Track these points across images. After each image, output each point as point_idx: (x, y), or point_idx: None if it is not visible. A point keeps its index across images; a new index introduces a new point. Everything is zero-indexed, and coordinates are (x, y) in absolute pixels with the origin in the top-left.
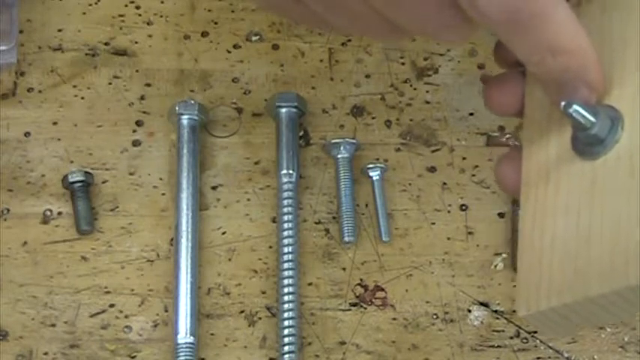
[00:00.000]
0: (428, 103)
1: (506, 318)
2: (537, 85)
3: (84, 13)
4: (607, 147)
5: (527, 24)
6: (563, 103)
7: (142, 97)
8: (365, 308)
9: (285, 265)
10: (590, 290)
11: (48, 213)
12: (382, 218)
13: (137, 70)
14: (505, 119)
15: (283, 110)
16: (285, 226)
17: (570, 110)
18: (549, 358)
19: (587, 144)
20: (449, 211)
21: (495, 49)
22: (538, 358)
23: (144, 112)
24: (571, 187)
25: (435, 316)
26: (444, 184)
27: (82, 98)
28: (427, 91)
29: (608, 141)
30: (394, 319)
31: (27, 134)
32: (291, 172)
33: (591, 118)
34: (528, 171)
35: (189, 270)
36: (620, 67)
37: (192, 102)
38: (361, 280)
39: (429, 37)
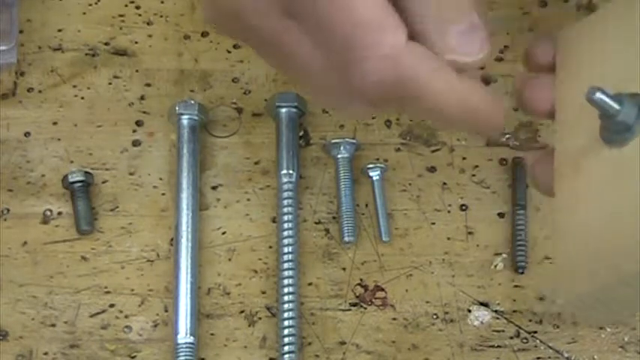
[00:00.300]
0: None
1: (506, 318)
2: (567, 86)
3: (84, 13)
4: (634, 133)
5: (406, 98)
6: (586, 92)
7: (142, 97)
8: (365, 308)
9: (285, 265)
10: (620, 271)
11: (48, 213)
12: (382, 218)
13: (137, 70)
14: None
15: (283, 110)
16: (285, 226)
17: (594, 97)
18: (549, 358)
19: (615, 132)
20: (449, 211)
21: (527, 56)
22: (538, 358)
23: (144, 112)
24: (601, 175)
25: (435, 316)
26: (444, 184)
27: (82, 98)
28: None
29: (635, 127)
30: (394, 319)
31: (27, 134)
32: (291, 172)
33: (615, 106)
34: (560, 165)
35: (189, 270)
36: None
37: (192, 102)
38: (361, 280)
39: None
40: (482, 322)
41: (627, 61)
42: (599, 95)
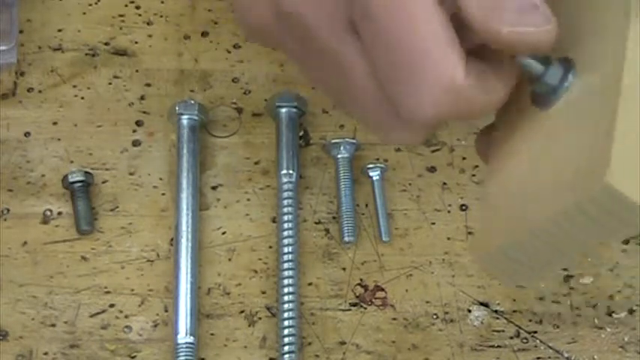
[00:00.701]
0: None
1: (506, 318)
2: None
3: (84, 13)
4: (559, 95)
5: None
6: (517, 57)
7: (142, 97)
8: (365, 308)
9: (285, 265)
10: (530, 222)
11: (48, 213)
12: (382, 218)
13: (137, 70)
14: None
15: (283, 110)
16: (285, 226)
17: (522, 60)
18: (549, 358)
19: (542, 95)
20: (449, 211)
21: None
22: (538, 358)
23: (144, 112)
24: (528, 136)
25: (435, 316)
26: (444, 184)
27: (82, 98)
28: None
29: (560, 89)
30: (394, 319)
31: (27, 134)
32: (291, 172)
33: (541, 67)
34: (496, 130)
35: (189, 270)
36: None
37: (192, 102)
38: (361, 280)
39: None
40: (482, 322)
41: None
42: (527, 58)
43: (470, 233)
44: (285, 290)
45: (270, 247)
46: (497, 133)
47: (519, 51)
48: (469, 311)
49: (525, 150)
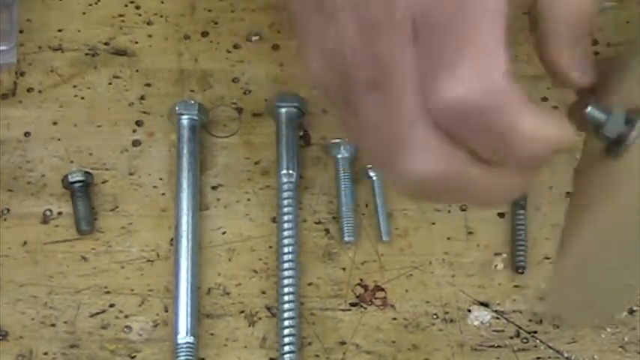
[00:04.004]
0: None
1: (506, 318)
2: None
3: (84, 13)
4: (628, 146)
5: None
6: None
7: (142, 97)
8: (365, 308)
9: (285, 265)
10: (621, 280)
11: (48, 213)
12: (382, 218)
13: (137, 70)
14: None
15: (283, 110)
16: (285, 226)
17: (587, 111)
18: (549, 358)
19: (610, 144)
20: (449, 211)
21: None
22: (538, 358)
23: (144, 112)
24: (599, 186)
25: (435, 316)
26: None
27: (82, 98)
28: None
29: (628, 140)
30: (394, 319)
31: (27, 134)
32: (291, 172)
33: (602, 115)
34: (574, 180)
35: (189, 270)
36: None
37: (192, 102)
38: (361, 280)
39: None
40: (482, 322)
41: None
42: (589, 108)
43: (470, 233)
44: (285, 290)
45: (270, 247)
46: (574, 190)
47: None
48: (469, 311)
49: (597, 199)
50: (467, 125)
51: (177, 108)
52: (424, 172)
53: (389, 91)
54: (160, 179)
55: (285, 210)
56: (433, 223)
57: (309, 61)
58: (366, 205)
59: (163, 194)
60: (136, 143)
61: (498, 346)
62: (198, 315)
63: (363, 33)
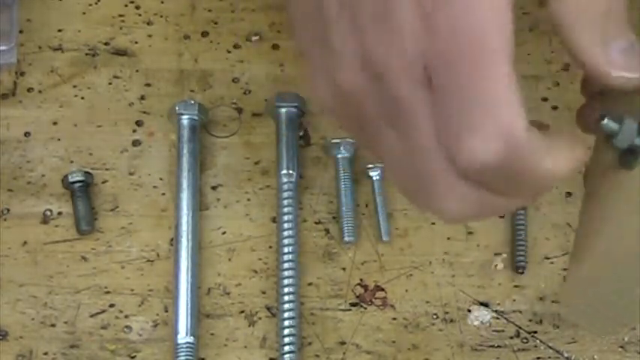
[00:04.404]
0: None
1: (506, 318)
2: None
3: (84, 13)
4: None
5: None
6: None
7: (142, 97)
8: (365, 308)
9: (285, 265)
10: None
11: (48, 213)
12: (382, 218)
13: (137, 70)
14: None
15: (283, 110)
16: (285, 226)
17: (601, 122)
18: (549, 358)
19: (623, 155)
20: None
21: (582, 83)
22: (538, 358)
23: (144, 112)
24: (612, 195)
25: (435, 316)
26: None
27: (82, 98)
28: None
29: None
30: (394, 319)
31: (27, 134)
32: (291, 172)
33: (614, 125)
34: (586, 201)
35: (189, 270)
36: None
37: (192, 102)
38: (361, 280)
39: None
40: (482, 322)
41: None
42: (606, 120)
43: (470, 233)
44: (285, 290)
45: (270, 247)
46: (587, 198)
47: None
48: (469, 311)
49: (615, 213)
50: (491, 177)
51: (177, 108)
52: (451, 210)
53: (406, 131)
54: (160, 179)
55: (285, 210)
56: (433, 223)
57: (320, 93)
58: (366, 205)
59: (163, 194)
60: (136, 143)
61: (498, 346)
62: (198, 315)
63: (372, 75)
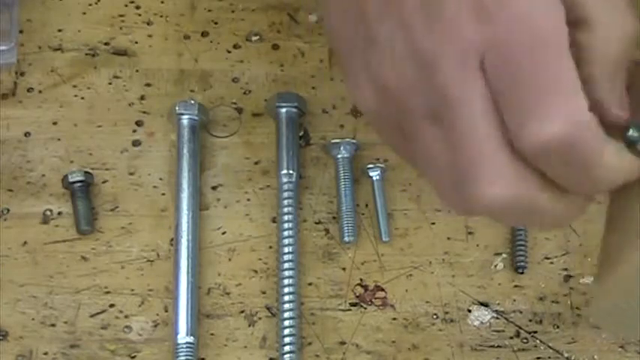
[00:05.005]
0: None
1: (506, 318)
2: None
3: (84, 13)
4: None
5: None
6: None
7: (142, 97)
8: (365, 308)
9: (285, 265)
10: None
11: (48, 213)
12: (382, 218)
13: (137, 70)
14: None
15: (283, 110)
16: (285, 226)
17: (628, 133)
18: (549, 358)
19: None
20: (449, 211)
21: None
22: (538, 358)
23: (144, 112)
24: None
25: (435, 316)
26: None
27: (82, 98)
28: None
29: None
30: (394, 319)
31: (27, 134)
32: (291, 172)
33: (636, 133)
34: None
35: (189, 270)
36: None
37: (192, 102)
38: (361, 280)
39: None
40: (482, 322)
41: None
42: (631, 131)
43: (470, 233)
44: (285, 290)
45: (270, 247)
46: (611, 206)
47: None
48: (469, 311)
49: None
50: (553, 159)
51: (177, 108)
52: (496, 196)
53: (454, 122)
54: (160, 179)
55: (285, 210)
56: (433, 223)
57: (359, 95)
58: (366, 205)
59: (163, 194)
60: (136, 143)
61: (498, 346)
62: (198, 315)
63: (422, 68)
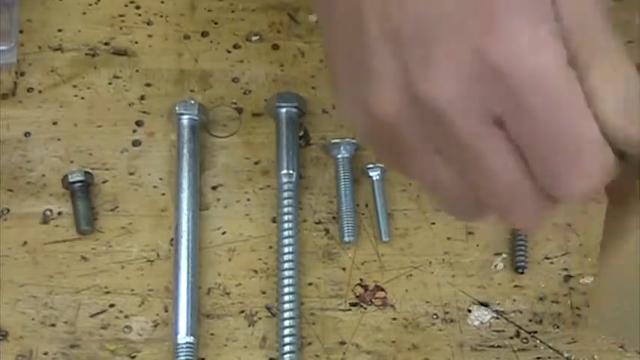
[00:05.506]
0: None
1: (506, 318)
2: None
3: (84, 13)
4: None
5: None
6: None
7: (142, 97)
8: (365, 308)
9: (285, 265)
10: None
11: (48, 213)
12: (382, 218)
13: (137, 70)
14: None
15: (283, 110)
16: (285, 226)
17: None
18: (549, 358)
19: None
20: None
21: None
22: (538, 358)
23: (144, 112)
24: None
25: (435, 316)
26: None
27: (82, 98)
28: None
29: None
30: (394, 319)
31: (27, 134)
32: (291, 172)
33: None
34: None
35: (189, 270)
36: None
37: (192, 102)
38: (361, 280)
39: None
40: (482, 322)
41: None
42: None
43: (470, 233)
44: (285, 290)
45: (270, 247)
46: (610, 208)
47: None
48: (469, 311)
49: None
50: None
51: (177, 108)
52: (528, 230)
53: (465, 160)
54: (160, 179)
55: (285, 210)
56: (433, 223)
57: (351, 119)
58: (366, 205)
59: (163, 194)
60: (136, 143)
61: (498, 346)
62: (198, 315)
63: (423, 108)
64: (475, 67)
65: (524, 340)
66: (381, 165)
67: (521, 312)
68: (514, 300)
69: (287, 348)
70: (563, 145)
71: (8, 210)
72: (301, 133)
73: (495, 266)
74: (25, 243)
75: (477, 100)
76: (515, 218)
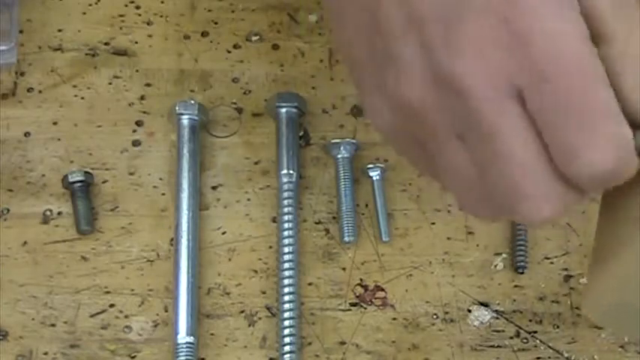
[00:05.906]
0: None
1: (506, 318)
2: None
3: (84, 13)
4: None
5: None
6: None
7: (142, 97)
8: (365, 308)
9: (285, 265)
10: None
11: (48, 213)
12: (382, 218)
13: (137, 70)
14: None
15: (283, 110)
16: (285, 226)
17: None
18: (549, 358)
19: None
20: (449, 211)
21: None
22: (538, 358)
23: (144, 112)
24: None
25: (435, 316)
26: None
27: (82, 98)
28: None
29: None
30: (394, 319)
31: (27, 134)
32: (291, 172)
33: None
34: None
35: (189, 270)
36: None
37: (192, 102)
38: (361, 280)
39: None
40: (482, 322)
41: None
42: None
43: (470, 233)
44: (285, 290)
45: (270, 247)
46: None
47: None
48: (469, 311)
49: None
50: (599, 184)
51: (177, 108)
52: (544, 218)
53: (487, 141)
54: (160, 179)
55: (285, 210)
56: (433, 223)
57: (374, 111)
58: (366, 205)
59: (163, 194)
60: (136, 143)
61: (498, 346)
62: (198, 315)
63: (449, 91)
64: (499, 39)
65: (524, 340)
66: (381, 165)
67: (521, 312)
68: (514, 300)
69: (287, 348)
70: (580, 117)
71: (8, 210)
72: (301, 133)
73: (495, 266)
74: (25, 243)
75: (500, 74)
76: (530, 206)
